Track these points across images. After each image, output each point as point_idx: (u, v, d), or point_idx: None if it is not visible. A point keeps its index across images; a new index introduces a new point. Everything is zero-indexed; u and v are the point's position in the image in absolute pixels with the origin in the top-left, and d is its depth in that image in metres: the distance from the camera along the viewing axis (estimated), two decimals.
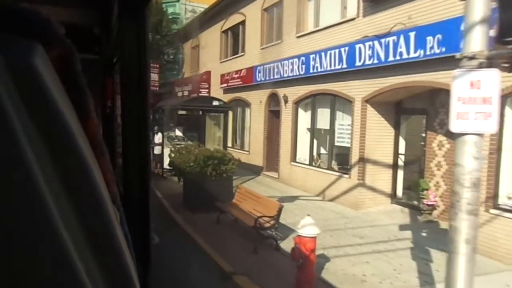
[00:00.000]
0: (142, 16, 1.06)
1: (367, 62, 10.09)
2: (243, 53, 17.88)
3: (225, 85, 18.90)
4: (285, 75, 14.00)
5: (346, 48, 10.84)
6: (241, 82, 17.33)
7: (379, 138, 10.74)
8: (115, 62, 1.66)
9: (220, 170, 10.14)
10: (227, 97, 18.35)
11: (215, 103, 12.93)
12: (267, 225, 7.64)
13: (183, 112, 17.60)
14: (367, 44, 10.07)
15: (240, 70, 17.42)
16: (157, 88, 22.18)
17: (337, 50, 11.22)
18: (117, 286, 0.50)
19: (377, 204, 10.81)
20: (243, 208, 8.90)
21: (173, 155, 10.78)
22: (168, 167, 15.14)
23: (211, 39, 21.55)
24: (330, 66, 11.52)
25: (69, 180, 0.45)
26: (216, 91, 19.95)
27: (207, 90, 21.28)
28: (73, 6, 1.54)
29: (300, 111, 13.91)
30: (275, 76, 14.67)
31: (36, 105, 0.42)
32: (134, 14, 1.05)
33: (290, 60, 13.61)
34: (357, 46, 10.42)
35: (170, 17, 27.28)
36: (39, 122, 0.42)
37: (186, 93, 23.08)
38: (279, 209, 7.66)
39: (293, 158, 14.03)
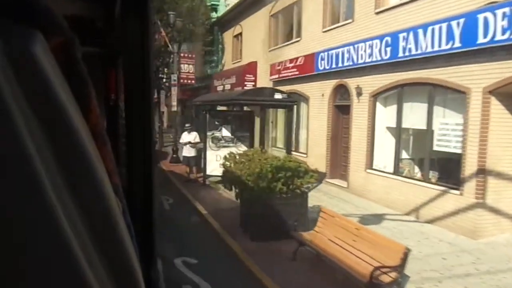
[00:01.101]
0: (145, 8, 1.04)
1: (499, 37, 7.26)
2: (298, 39, 15.24)
3: (276, 76, 16.33)
4: (360, 62, 11.28)
5: (461, 21, 8.03)
6: (297, 72, 14.71)
7: (507, 143, 7.90)
8: (119, 55, 1.51)
9: (293, 184, 7.59)
10: None
11: (278, 96, 10.39)
12: (387, 279, 5.02)
13: (223, 108, 15.25)
14: (499, 12, 7.24)
15: (296, 58, 14.80)
16: (192, 82, 19.75)
17: (444, 25, 8.42)
18: (119, 276, 0.49)
19: (502, 231, 8.00)
20: (332, 242, 6.33)
21: (228, 163, 8.29)
22: (212, 174, 12.83)
23: (257, 26, 19.01)
24: (433, 46, 8.74)
25: (70, 170, 0.44)
26: (264, 83, 17.44)
27: (253, 83, 18.79)
28: None
29: (379, 106, 11.16)
30: (345, 64, 11.97)
31: (35, 93, 0.41)
32: (137, 5, 1.03)
33: (368, 43, 10.87)
34: (480, 17, 7.59)
35: (208, 3, 24.87)
36: (39, 111, 0.41)
37: (228, 86, 20.67)
38: (404, 255, 5.02)
39: (369, 164, 11.32)
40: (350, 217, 9.29)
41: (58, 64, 0.47)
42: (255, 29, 19.24)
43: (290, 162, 7.71)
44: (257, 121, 16.08)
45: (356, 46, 11.39)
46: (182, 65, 17.64)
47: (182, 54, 17.78)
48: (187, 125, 13.37)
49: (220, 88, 21.92)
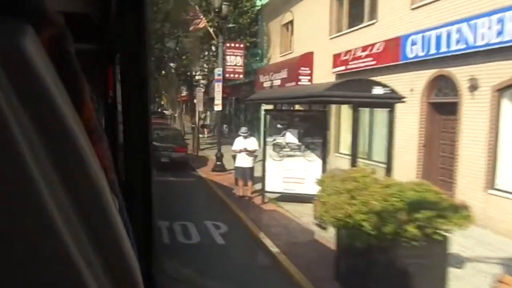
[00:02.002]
0: (141, 4, 1.04)
1: None
2: (373, 21, 12.38)
3: (342, 68, 13.54)
4: (479, 44, 8.36)
5: None
6: (373, 62, 11.87)
7: None
8: (116, 52, 1.52)
9: (432, 227, 4.84)
10: None
11: (377, 90, 7.51)
12: None
13: (269, 106, 12.64)
14: None
15: (372, 45, 11.96)
16: (240, 76, 17.10)
17: None
18: (118, 276, 0.49)
19: None
20: None
21: (325, 191, 5.59)
22: (273, 191, 10.22)
23: (313, 10, 16.26)
24: None
25: (63, 167, 0.43)
26: (324, 77, 14.73)
27: (308, 78, 16.07)
28: None
29: (506, 104, 8.21)
30: (452, 48, 9.05)
31: (26, 89, 0.40)
32: (133, 1, 1.04)
33: (496, 16, 7.93)
34: None
35: None
36: (30, 107, 0.41)
37: (277, 82, 18.00)
38: None
39: (491, 182, 8.39)
40: (486, 263, 6.51)
41: (50, 58, 0.45)
42: (310, 14, 16.47)
43: (427, 192, 4.93)
44: (344, 122, 13.39)
45: (472, 22, 8.46)
46: (228, 57, 15.06)
47: (228, 44, 15.18)
48: (243, 129, 10.74)
49: (267, 84, 19.28)
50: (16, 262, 0.40)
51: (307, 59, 16.19)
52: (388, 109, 7.95)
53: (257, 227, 8.47)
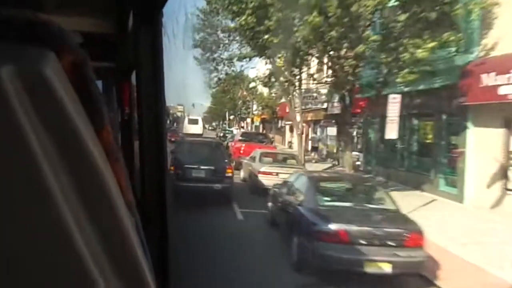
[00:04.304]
0: (156, 23, 1.07)
1: None
2: None
3: None
4: None
5: None
6: None
7: None
8: (132, 69, 1.61)
9: None
10: None
11: None
12: None
13: None
14: None
15: None
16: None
17: None
18: None
19: None
20: None
21: None
22: None
23: None
24: None
25: (83, 188, 0.45)
26: None
27: None
28: (89, 15, 1.57)
29: None
30: None
31: (48, 113, 0.42)
32: (148, 20, 1.07)
33: None
34: None
35: None
36: (52, 131, 0.42)
37: None
38: None
39: None
40: None
41: (71, 83, 0.47)
42: None
43: None
44: None
45: None
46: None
47: None
48: None
49: (505, 91, 10.67)
50: (34, 275, 0.41)
51: None
52: None
53: None
